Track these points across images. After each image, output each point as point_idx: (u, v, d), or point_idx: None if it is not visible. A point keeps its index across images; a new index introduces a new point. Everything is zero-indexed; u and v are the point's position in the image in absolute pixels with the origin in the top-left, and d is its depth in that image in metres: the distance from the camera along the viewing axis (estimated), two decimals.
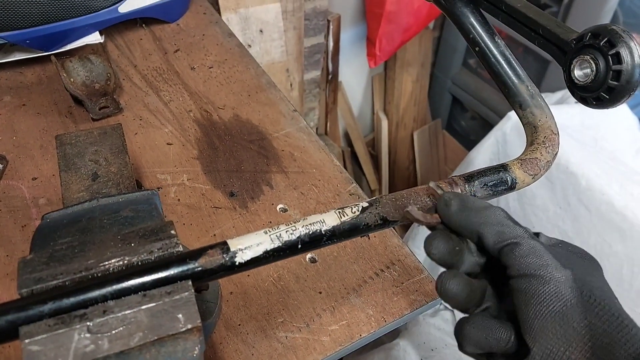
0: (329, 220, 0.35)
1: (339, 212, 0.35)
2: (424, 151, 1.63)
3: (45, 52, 0.70)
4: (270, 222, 0.57)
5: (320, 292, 0.51)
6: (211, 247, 0.34)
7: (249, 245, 0.34)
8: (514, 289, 0.29)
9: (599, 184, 0.78)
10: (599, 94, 0.31)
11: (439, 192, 0.35)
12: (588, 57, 0.31)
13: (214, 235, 0.55)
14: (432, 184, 0.36)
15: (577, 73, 0.32)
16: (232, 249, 0.34)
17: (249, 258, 0.33)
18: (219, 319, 0.48)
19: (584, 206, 0.79)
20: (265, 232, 0.34)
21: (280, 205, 0.59)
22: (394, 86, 1.48)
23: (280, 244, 0.34)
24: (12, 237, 0.53)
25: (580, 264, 0.30)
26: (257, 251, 0.34)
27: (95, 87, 0.65)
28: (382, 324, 0.49)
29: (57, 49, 0.71)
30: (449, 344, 0.87)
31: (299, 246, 0.34)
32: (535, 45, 0.37)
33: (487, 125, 1.59)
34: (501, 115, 1.46)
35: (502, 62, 0.41)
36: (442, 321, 0.91)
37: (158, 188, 0.58)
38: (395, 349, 0.88)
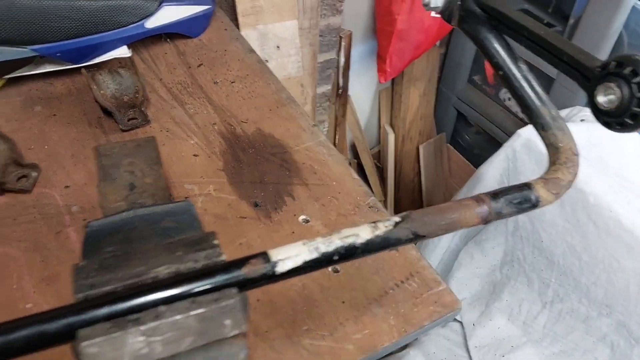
0: (363, 233, 0.37)
1: (373, 226, 0.37)
2: (429, 164, 1.66)
3: (75, 64, 0.73)
4: (293, 232, 0.59)
5: (344, 302, 0.53)
6: (253, 257, 0.36)
7: (288, 256, 0.36)
8: None
9: (607, 201, 0.80)
10: (622, 119, 0.33)
11: None
12: (613, 84, 0.33)
13: (240, 244, 0.57)
14: None
15: (602, 99, 0.34)
16: (273, 259, 0.36)
17: (289, 268, 0.35)
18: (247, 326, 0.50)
19: (593, 222, 0.81)
20: (304, 244, 0.36)
21: (302, 217, 0.61)
22: (401, 100, 1.51)
23: (318, 255, 0.36)
24: (47, 243, 0.55)
25: None
26: (296, 261, 0.36)
27: (124, 100, 0.68)
28: (403, 333, 0.51)
29: (86, 61, 0.74)
30: (458, 354, 0.89)
31: (335, 258, 0.36)
32: (559, 70, 0.39)
33: (491, 140, 1.61)
34: (506, 131, 1.49)
35: (525, 86, 0.43)
36: (451, 332, 0.93)
37: (185, 198, 0.61)
38: (405, 358, 0.89)
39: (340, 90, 1.31)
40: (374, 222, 0.38)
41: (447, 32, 1.25)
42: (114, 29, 0.74)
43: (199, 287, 0.33)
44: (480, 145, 1.69)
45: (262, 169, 0.66)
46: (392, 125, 1.60)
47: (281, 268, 0.35)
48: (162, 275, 0.35)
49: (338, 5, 1.09)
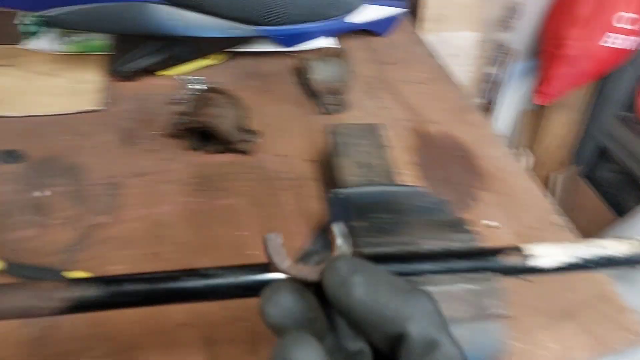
0: (621, 247, 0.39)
1: (632, 242, 0.39)
2: (560, 195, 1.60)
3: (287, 48, 0.80)
4: (482, 234, 0.61)
5: (536, 310, 0.54)
6: (506, 248, 0.38)
7: (542, 255, 0.38)
8: None
9: None
10: None
11: (339, 248, 0.25)
12: None
13: None
14: (335, 227, 0.25)
15: None
16: (527, 253, 0.38)
17: (549, 266, 0.38)
18: None
19: None
20: (561, 247, 0.38)
21: (487, 221, 0.63)
22: (546, 125, 1.48)
23: (576, 260, 0.38)
24: (263, 202, 0.62)
25: None
26: (555, 261, 0.38)
27: (330, 86, 0.74)
28: (597, 352, 0.51)
29: (295, 46, 0.81)
30: None
31: (590, 265, 0.38)
32: None
33: (633, 181, 1.52)
34: None
35: None
36: None
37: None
38: None
39: (489, 105, 1.31)
40: (630, 239, 0.39)
41: (617, 65, 1.20)
42: (323, 20, 0.81)
43: (468, 264, 0.37)
44: (617, 184, 1.60)
45: (448, 169, 0.69)
46: (529, 149, 1.57)
47: (539, 263, 0.38)
48: (425, 247, 0.39)
49: (511, 22, 1.10)
